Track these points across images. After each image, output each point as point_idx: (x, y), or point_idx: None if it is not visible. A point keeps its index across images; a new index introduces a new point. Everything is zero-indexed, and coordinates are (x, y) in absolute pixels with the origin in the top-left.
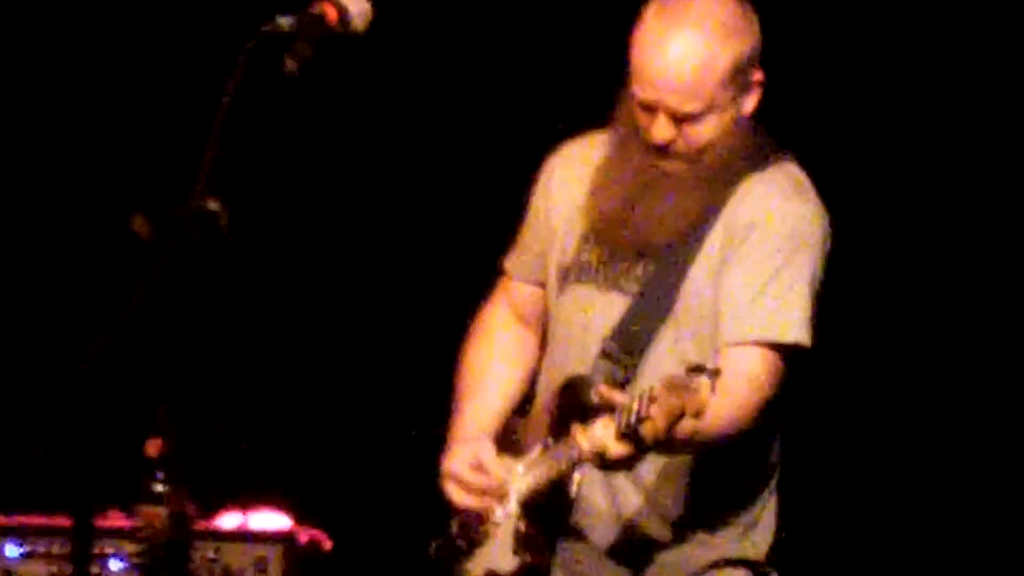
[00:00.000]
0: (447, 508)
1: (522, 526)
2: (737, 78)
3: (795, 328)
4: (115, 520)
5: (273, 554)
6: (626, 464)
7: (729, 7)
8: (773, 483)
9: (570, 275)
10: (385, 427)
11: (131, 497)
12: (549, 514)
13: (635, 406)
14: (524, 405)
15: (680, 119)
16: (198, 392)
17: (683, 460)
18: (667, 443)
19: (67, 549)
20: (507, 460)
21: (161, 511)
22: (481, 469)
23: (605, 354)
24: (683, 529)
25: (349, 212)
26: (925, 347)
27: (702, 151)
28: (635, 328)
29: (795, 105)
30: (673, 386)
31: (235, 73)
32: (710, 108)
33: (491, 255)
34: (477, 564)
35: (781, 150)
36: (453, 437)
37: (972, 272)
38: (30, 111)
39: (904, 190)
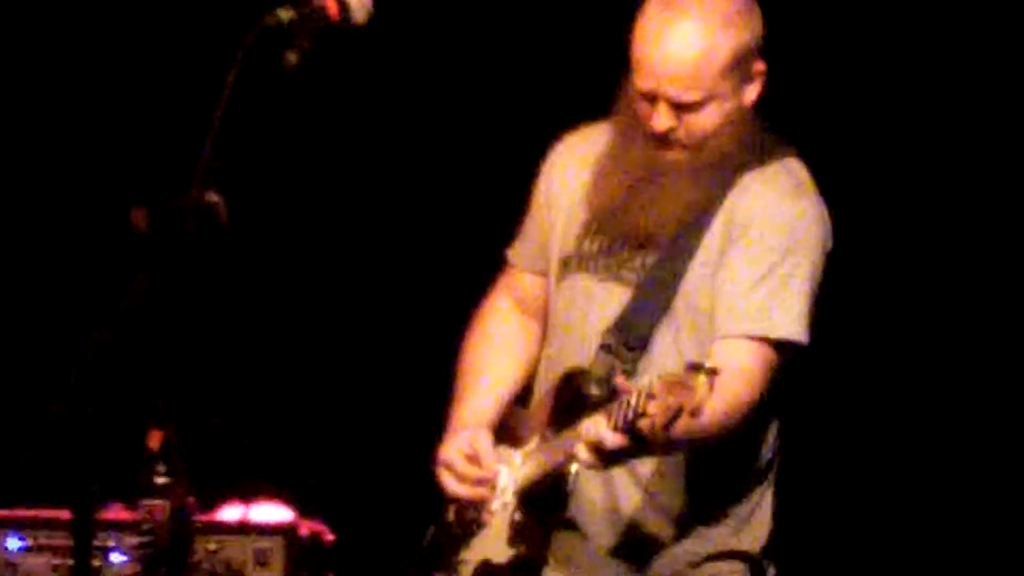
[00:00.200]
0: (443, 496)
1: (518, 517)
2: (738, 68)
3: (788, 324)
4: (116, 513)
5: (274, 547)
6: (622, 457)
7: None
8: (771, 476)
9: (571, 265)
10: (386, 419)
11: (132, 490)
12: (545, 506)
13: (633, 401)
14: (524, 395)
15: (680, 109)
16: (199, 384)
17: (681, 455)
18: (663, 440)
19: (68, 542)
20: (505, 450)
21: (162, 504)
22: (475, 460)
23: (605, 347)
24: (683, 524)
25: (350, 204)
26: (926, 345)
27: (703, 141)
28: (635, 322)
29: (800, 100)
30: (671, 383)
31: (235, 65)
32: (710, 98)
33: (493, 246)
34: (473, 553)
35: (784, 145)
36: (451, 426)
37: (973, 270)
38: (29, 105)
39: (906, 187)
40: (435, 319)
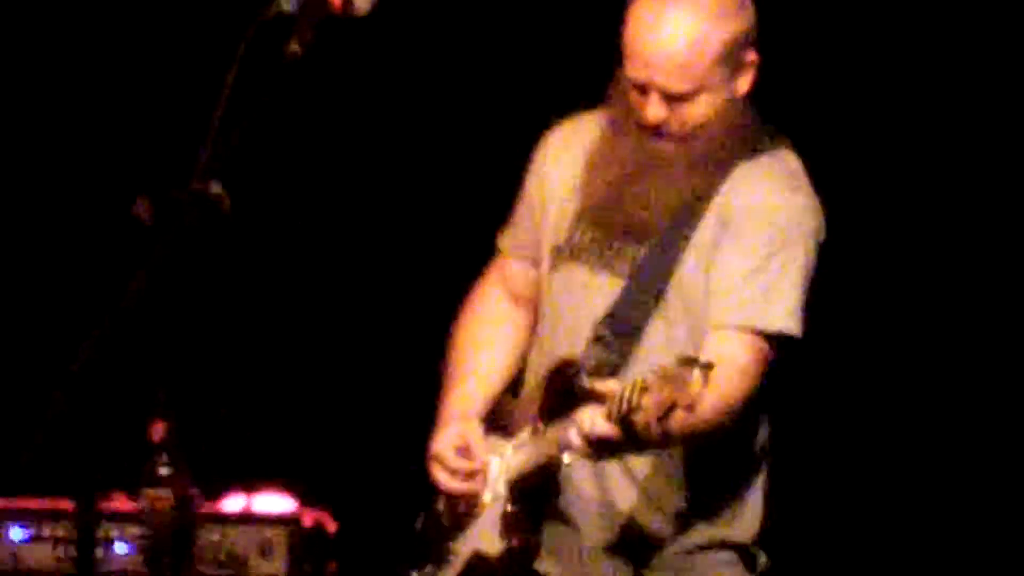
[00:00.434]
0: (435, 489)
1: (509, 508)
2: (730, 58)
3: (782, 316)
4: (119, 503)
5: (278, 537)
6: (616, 450)
7: None
8: (763, 466)
9: (563, 254)
10: (389, 408)
11: (135, 480)
12: (536, 497)
13: (627, 394)
14: (515, 385)
15: (672, 99)
16: (201, 375)
17: (675, 448)
18: (657, 434)
19: (72, 533)
20: (496, 440)
21: (165, 494)
22: (466, 452)
23: (597, 339)
24: (677, 517)
25: (352, 195)
26: (918, 337)
27: (695, 132)
28: (627, 313)
29: (793, 92)
30: (665, 377)
31: (237, 56)
32: (703, 88)
33: (492, 236)
34: (464, 545)
35: (777, 136)
36: (442, 417)
37: (966, 262)
38: (31, 97)
39: (899, 179)
40: (437, 309)
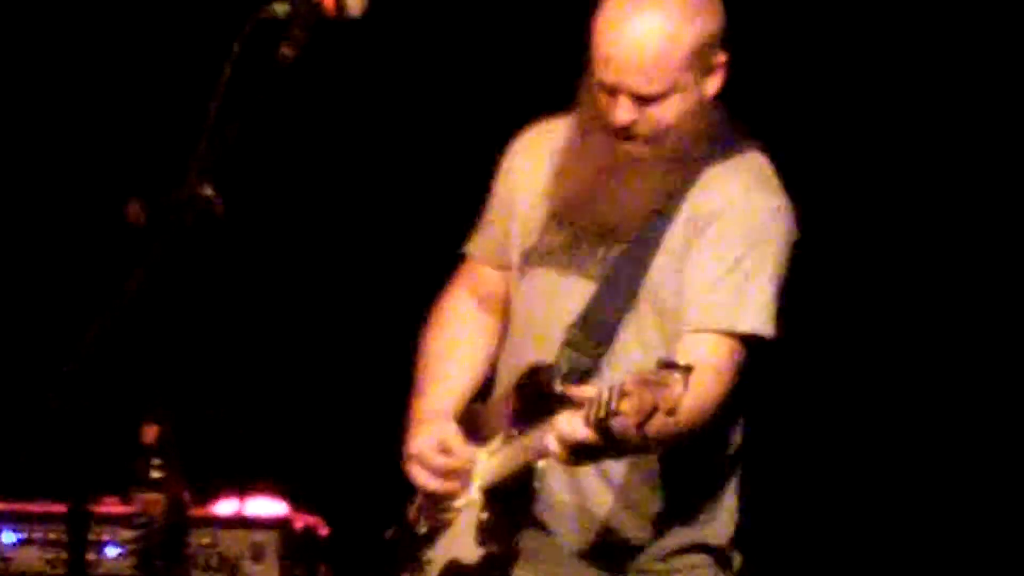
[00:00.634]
0: (410, 492)
1: (485, 515)
2: (699, 60)
3: (754, 317)
4: (111, 506)
5: (269, 540)
6: (593, 455)
7: None
8: (737, 469)
9: (533, 258)
10: (381, 412)
11: (127, 483)
12: (512, 504)
13: (605, 399)
14: (485, 390)
15: (642, 101)
16: (194, 379)
17: (653, 454)
18: (637, 439)
19: (63, 535)
20: (469, 447)
21: (157, 497)
22: (446, 450)
23: (569, 342)
24: (655, 522)
25: (346, 197)
26: (890, 337)
27: (664, 134)
28: (600, 316)
29: (765, 93)
30: (645, 381)
31: (230, 59)
32: (672, 89)
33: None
34: (439, 552)
35: (748, 138)
36: (415, 420)
37: (940, 261)
38: (25, 98)
39: (870, 179)
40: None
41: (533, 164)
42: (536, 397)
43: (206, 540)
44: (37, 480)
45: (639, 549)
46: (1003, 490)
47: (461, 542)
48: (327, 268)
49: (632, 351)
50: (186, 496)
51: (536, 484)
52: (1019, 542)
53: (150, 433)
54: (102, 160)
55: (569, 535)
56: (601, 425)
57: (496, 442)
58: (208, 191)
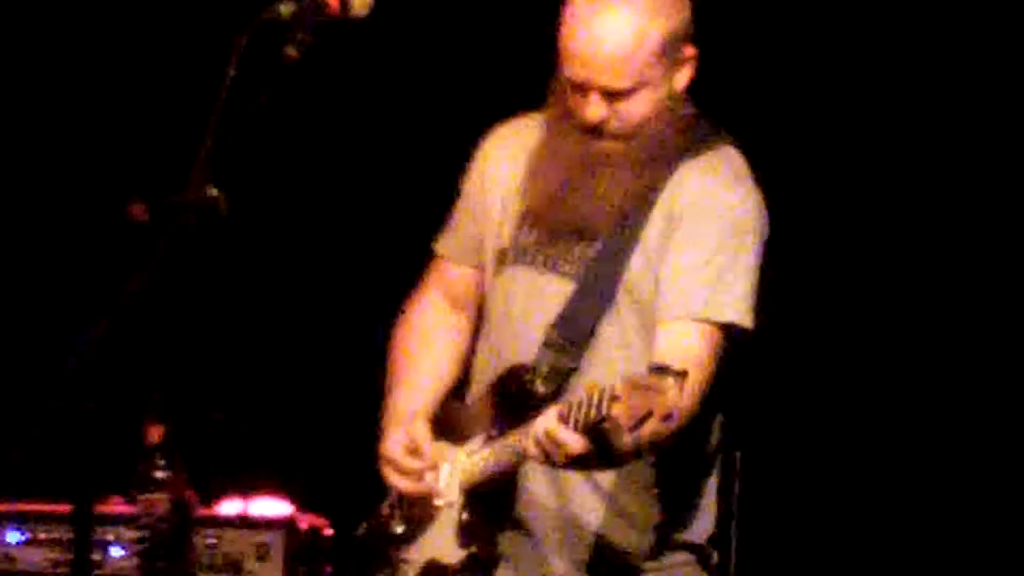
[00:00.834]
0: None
1: (465, 516)
2: (668, 54)
3: (732, 308)
4: (116, 507)
5: (274, 540)
6: (579, 461)
7: None
8: (715, 466)
9: (507, 257)
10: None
11: (132, 484)
12: (492, 505)
13: (595, 402)
14: (458, 388)
15: (612, 97)
16: (198, 379)
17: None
18: (625, 445)
19: (68, 535)
20: (447, 447)
21: (162, 498)
22: (416, 452)
23: (549, 343)
24: (641, 524)
25: (351, 198)
26: (864, 334)
27: (635, 129)
28: (579, 316)
29: (738, 88)
30: (637, 386)
31: (234, 59)
32: (641, 84)
33: None
34: (418, 552)
35: (720, 132)
36: (387, 421)
37: (910, 257)
38: (29, 99)
39: (842, 175)
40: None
41: (505, 163)
42: (516, 398)
43: (210, 540)
44: (42, 480)
45: (621, 548)
46: (1003, 490)
47: (441, 543)
48: (332, 269)
49: (612, 349)
50: (191, 496)
51: (517, 486)
52: (1017, 541)
53: (155, 434)
54: (106, 162)
55: (550, 535)
56: (589, 429)
57: (476, 442)
58: (212, 192)
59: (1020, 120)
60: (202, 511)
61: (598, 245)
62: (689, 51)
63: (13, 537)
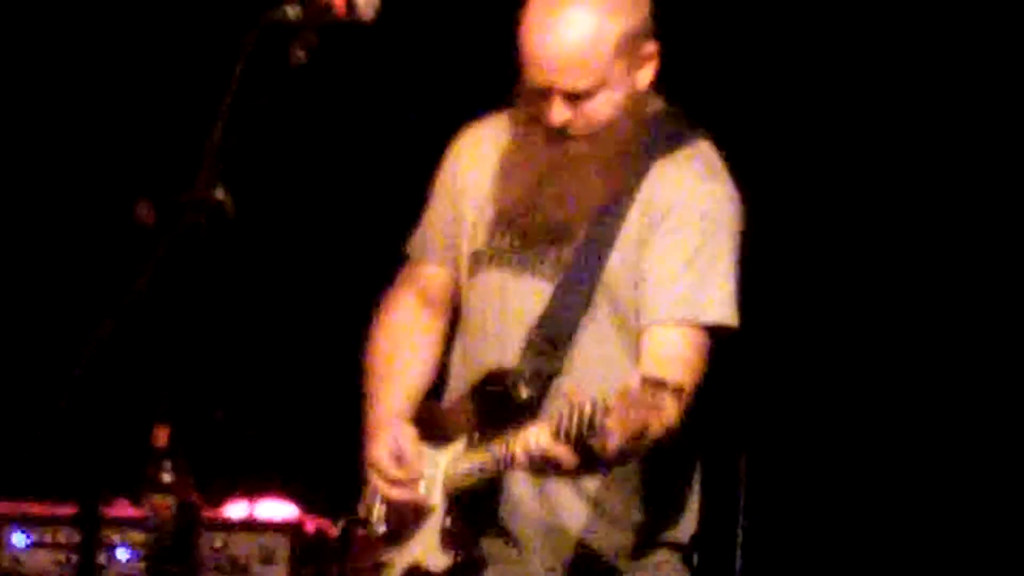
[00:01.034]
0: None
1: (449, 522)
2: (628, 51)
3: (717, 307)
4: (122, 509)
5: (280, 543)
6: (566, 469)
7: None
8: (697, 467)
9: (482, 260)
10: None
11: (138, 486)
12: (477, 511)
13: (587, 413)
14: (435, 389)
15: (574, 99)
16: (204, 381)
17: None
18: (613, 456)
19: (74, 538)
20: (428, 450)
21: (168, 500)
22: (401, 460)
23: (530, 346)
24: (625, 523)
25: (356, 199)
26: (841, 330)
27: (601, 129)
28: (559, 318)
29: (712, 82)
30: (631, 400)
31: (241, 61)
32: (603, 84)
33: None
34: (399, 555)
35: (694, 128)
36: (371, 425)
37: (885, 251)
38: (36, 100)
39: (817, 167)
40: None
41: (477, 163)
42: (499, 402)
43: (216, 543)
44: (48, 482)
45: (606, 551)
46: (1004, 491)
47: (425, 547)
48: (338, 270)
49: (592, 350)
50: (196, 499)
51: (501, 491)
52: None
53: (161, 436)
54: (112, 163)
55: (535, 542)
56: (579, 440)
57: (458, 446)
58: (218, 193)
59: (1007, 107)
60: (208, 514)
61: (574, 246)
62: (650, 47)
63: (19, 539)
